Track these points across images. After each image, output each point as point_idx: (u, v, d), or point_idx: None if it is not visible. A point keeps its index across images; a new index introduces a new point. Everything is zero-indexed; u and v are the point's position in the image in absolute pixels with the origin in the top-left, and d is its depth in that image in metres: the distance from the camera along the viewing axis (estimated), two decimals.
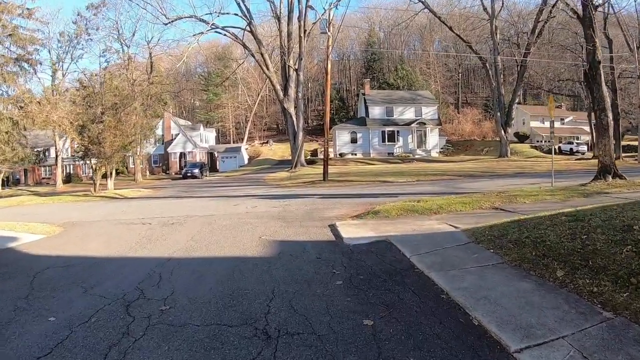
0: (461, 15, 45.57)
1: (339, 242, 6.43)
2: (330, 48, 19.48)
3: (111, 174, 27.57)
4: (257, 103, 73.01)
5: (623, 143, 39.96)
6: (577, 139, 53.84)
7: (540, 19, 34.05)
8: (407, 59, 79.96)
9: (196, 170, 37.83)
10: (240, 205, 12.02)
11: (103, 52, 27.20)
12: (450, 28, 35.95)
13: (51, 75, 38.64)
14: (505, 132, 36.77)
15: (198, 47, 77.98)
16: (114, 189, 26.09)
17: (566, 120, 58.59)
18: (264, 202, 12.75)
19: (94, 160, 25.75)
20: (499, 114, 36.77)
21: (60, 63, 39.55)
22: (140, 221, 9.65)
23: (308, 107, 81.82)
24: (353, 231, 7.10)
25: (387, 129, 44.20)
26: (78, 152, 26.85)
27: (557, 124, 57.43)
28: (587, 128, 58.55)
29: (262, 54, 31.19)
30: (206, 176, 40.08)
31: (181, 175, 39.60)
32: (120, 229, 8.84)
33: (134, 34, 37.94)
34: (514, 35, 41.08)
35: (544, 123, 56.67)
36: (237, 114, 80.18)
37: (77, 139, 25.45)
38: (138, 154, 39.72)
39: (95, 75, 28.70)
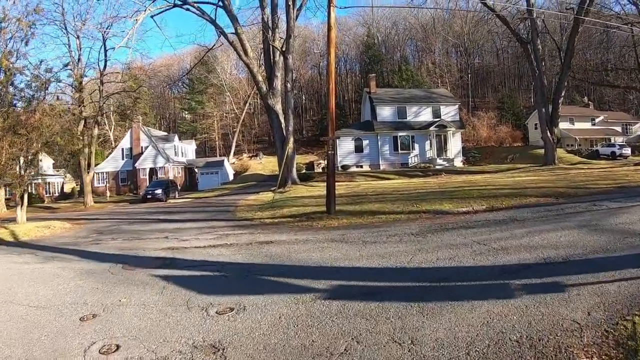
0: None
1: None
2: None
3: (22, 199, 19.27)
4: (245, 111, 65.22)
5: None
6: (609, 141, 46.55)
7: None
8: (410, 59, 73.04)
9: (159, 191, 29.36)
10: (88, 337, 3.84)
11: None
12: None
13: None
14: (551, 133, 28.80)
15: (178, 56, 70.16)
16: (27, 220, 18.04)
17: (597, 120, 51.27)
18: (175, 308, 4.57)
19: None
20: (543, 110, 28.87)
21: None
22: None
23: (302, 118, 74.09)
24: None
25: (400, 133, 35.99)
26: None
27: (587, 125, 49.86)
28: (619, 129, 51.33)
29: (238, 34, 23.27)
30: (175, 197, 31.79)
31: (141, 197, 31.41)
32: None
33: (84, 23, 29.44)
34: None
35: (573, 124, 49.15)
36: (224, 124, 72.27)
37: None
38: (87, 171, 31.65)
39: None
